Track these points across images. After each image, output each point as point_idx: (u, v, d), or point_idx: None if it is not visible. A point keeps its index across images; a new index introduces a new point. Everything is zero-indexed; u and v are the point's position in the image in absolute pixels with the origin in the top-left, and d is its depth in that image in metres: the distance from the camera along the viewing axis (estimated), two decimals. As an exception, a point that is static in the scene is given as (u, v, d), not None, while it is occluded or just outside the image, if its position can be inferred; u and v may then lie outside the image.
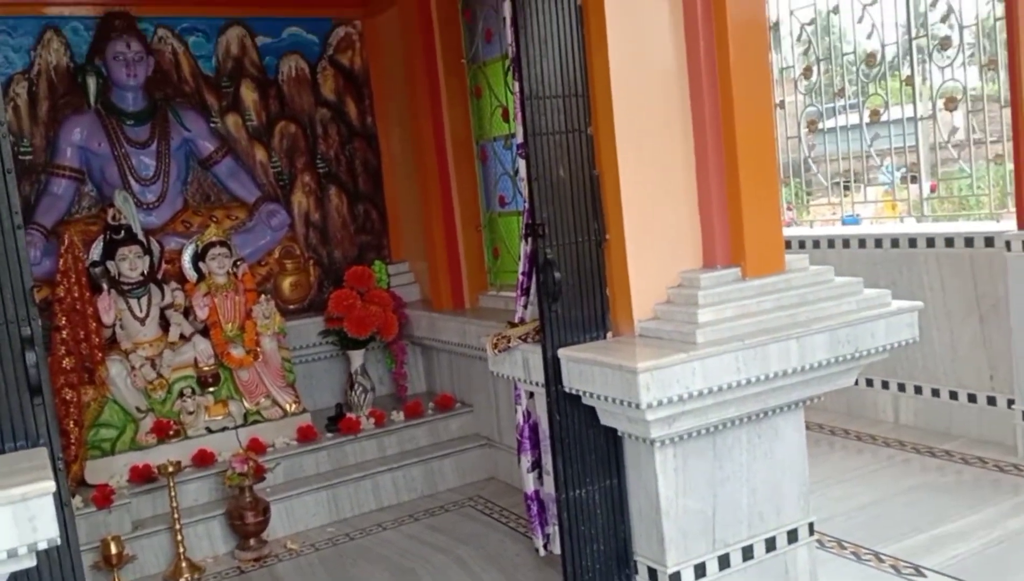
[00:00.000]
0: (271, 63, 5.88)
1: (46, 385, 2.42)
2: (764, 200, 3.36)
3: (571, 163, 3.27)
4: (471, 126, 5.46)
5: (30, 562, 2.11)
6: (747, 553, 3.29)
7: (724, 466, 3.24)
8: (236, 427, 4.93)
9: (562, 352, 3.20)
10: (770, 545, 3.34)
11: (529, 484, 3.77)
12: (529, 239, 3.52)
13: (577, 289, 3.27)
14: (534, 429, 3.76)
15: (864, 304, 3.31)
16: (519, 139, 3.49)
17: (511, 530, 4.40)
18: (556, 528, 3.55)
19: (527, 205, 3.41)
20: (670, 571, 3.14)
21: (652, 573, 3.22)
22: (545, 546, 3.76)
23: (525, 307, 3.70)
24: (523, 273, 3.67)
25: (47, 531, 2.06)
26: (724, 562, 3.24)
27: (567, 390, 3.20)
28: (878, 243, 5.46)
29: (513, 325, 3.73)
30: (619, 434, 3.25)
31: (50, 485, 2.06)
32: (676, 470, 3.14)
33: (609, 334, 3.32)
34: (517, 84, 3.31)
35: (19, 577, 2.27)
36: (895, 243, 5.33)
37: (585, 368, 3.09)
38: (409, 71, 5.63)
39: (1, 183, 2.38)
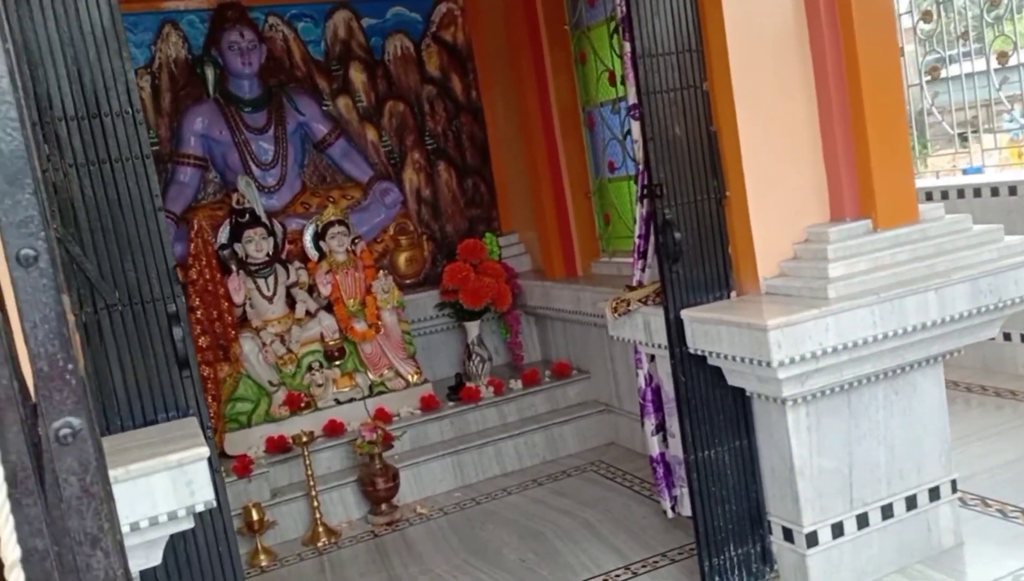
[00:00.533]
0: (377, 44, 5.98)
1: (192, 359, 2.54)
2: (894, 148, 3.24)
3: (687, 120, 3.22)
4: (577, 93, 5.42)
5: (188, 524, 2.24)
6: (887, 512, 3.20)
7: (860, 424, 3.16)
8: (363, 398, 5.09)
9: (685, 313, 3.17)
10: (911, 503, 3.24)
11: (654, 447, 3.76)
12: (645, 201, 3.49)
13: (698, 249, 3.22)
14: (656, 392, 3.74)
15: (1006, 252, 3.15)
16: (631, 100, 3.45)
17: (635, 493, 4.40)
18: (683, 490, 3.54)
19: (642, 166, 3.37)
20: (806, 530, 3.09)
21: (787, 533, 3.17)
22: (673, 508, 3.75)
23: (643, 270, 3.67)
24: (639, 236, 3.64)
25: (203, 494, 2.19)
26: (863, 521, 3.17)
27: (691, 351, 3.17)
28: (1012, 190, 5.15)
29: (632, 289, 3.71)
30: (748, 394, 3.20)
31: (204, 451, 2.18)
32: (810, 429, 3.08)
33: (733, 293, 3.27)
34: (628, 43, 3.27)
35: (176, 538, 2.41)
36: (1012, 190, 5.03)
37: (710, 328, 3.06)
38: (512, 42, 5.63)
39: (141, 168, 2.50)
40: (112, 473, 2.07)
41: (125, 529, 2.10)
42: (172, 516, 2.18)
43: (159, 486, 2.16)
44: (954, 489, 3.32)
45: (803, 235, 3.26)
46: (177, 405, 2.55)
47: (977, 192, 5.40)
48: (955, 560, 3.25)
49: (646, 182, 3.37)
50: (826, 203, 3.32)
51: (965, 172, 6.03)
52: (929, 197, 5.57)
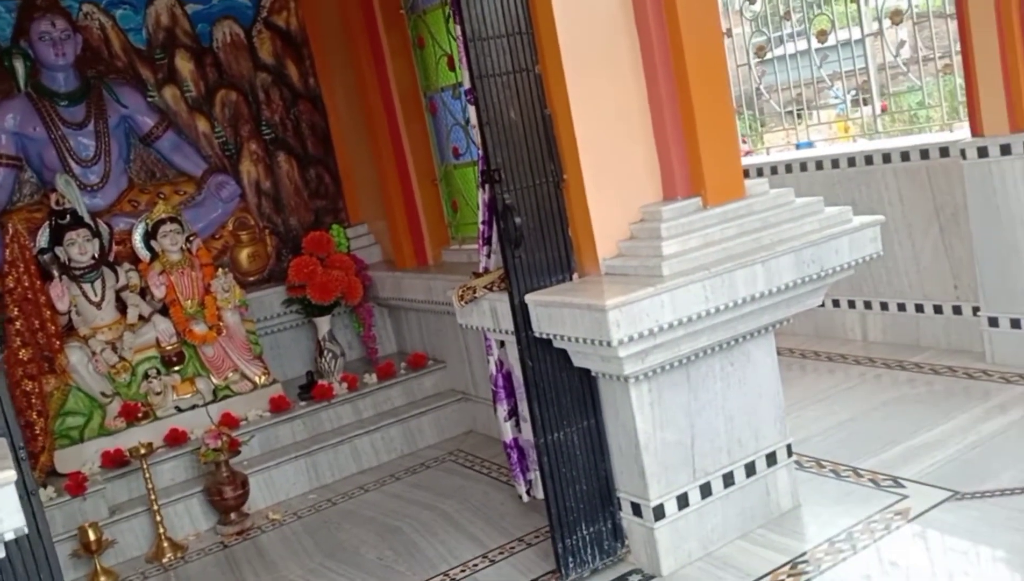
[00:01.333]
0: (204, 30, 5.68)
1: (0, 375, 2.33)
2: (720, 127, 3.33)
3: (522, 104, 3.20)
4: (417, 78, 5.33)
5: (-2, 553, 2.05)
6: (728, 480, 3.31)
7: (699, 396, 3.25)
8: (206, 404, 4.85)
9: (529, 297, 3.17)
10: (750, 470, 3.37)
11: (507, 433, 3.75)
12: (486, 186, 3.46)
13: (539, 232, 3.22)
14: (507, 378, 3.74)
15: (826, 223, 3.30)
16: (467, 84, 3.40)
17: (493, 480, 4.40)
18: (537, 474, 3.54)
19: (481, 151, 3.34)
20: (653, 504, 3.15)
21: (635, 508, 3.23)
22: (528, 492, 3.76)
23: (488, 256, 3.65)
24: (483, 222, 3.61)
25: (12, 521, 2.01)
26: (706, 490, 3.27)
27: (537, 335, 3.17)
28: (835, 163, 5.46)
29: (478, 275, 3.68)
30: (593, 374, 3.23)
31: (10, 475, 1.99)
32: (652, 404, 3.14)
33: (575, 275, 3.29)
34: (459, 27, 3.22)
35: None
36: (852, 162, 5.33)
37: (554, 311, 3.06)
38: (347, 27, 5.47)
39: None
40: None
41: (-77, 562, 1.90)
42: (-23, 547, 1.98)
43: (-38, 515, 1.96)
44: (789, 453, 3.48)
45: (639, 214, 3.31)
46: (-15, 426, 2.33)
47: (803, 166, 5.68)
48: (794, 522, 3.40)
49: (484, 167, 3.34)
50: (659, 182, 3.38)
51: (798, 147, 6.34)
52: (760, 173, 5.84)
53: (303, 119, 5.99)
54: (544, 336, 3.15)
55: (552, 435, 3.20)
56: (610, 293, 2.92)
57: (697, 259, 3.07)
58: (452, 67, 4.91)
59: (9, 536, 2.02)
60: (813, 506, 3.48)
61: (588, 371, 3.22)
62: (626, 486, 3.26)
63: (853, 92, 6.15)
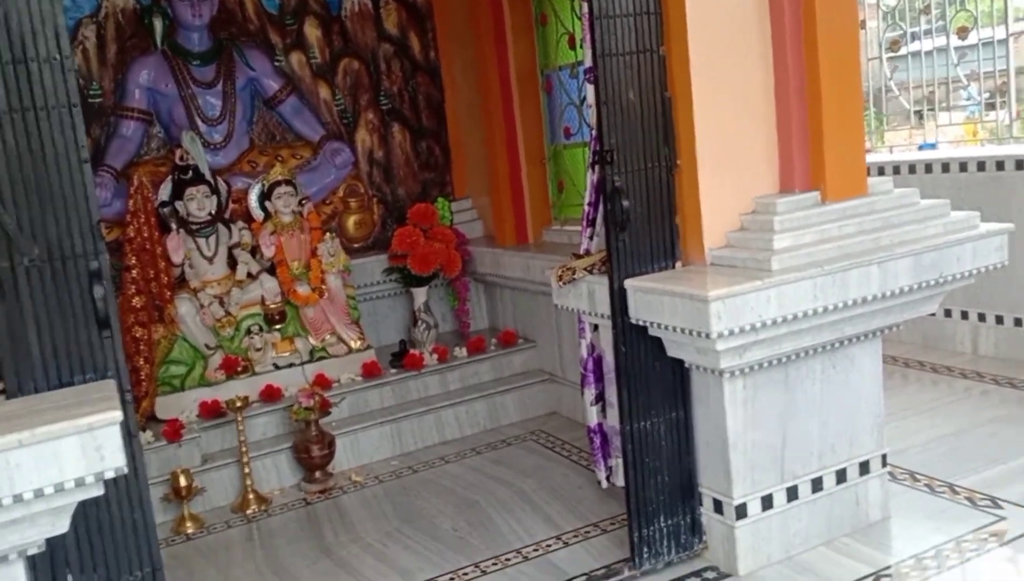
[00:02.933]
0: (334, -1, 5.80)
1: (114, 319, 2.41)
2: (847, 120, 3.20)
3: (642, 85, 3.14)
4: (536, 56, 5.32)
5: (97, 491, 2.11)
6: (816, 485, 3.20)
7: (796, 397, 3.14)
8: (302, 363, 4.97)
9: (629, 282, 3.11)
10: (841, 477, 3.25)
11: (592, 417, 3.71)
12: (596, 167, 3.41)
13: (645, 217, 3.16)
14: (598, 362, 3.69)
15: (951, 227, 3.14)
16: (587, 63, 3.35)
17: (573, 463, 4.36)
18: (619, 461, 3.50)
19: (595, 131, 3.29)
20: (736, 502, 3.07)
21: (717, 504, 3.15)
22: (607, 478, 3.72)
23: (591, 238, 3.61)
24: (589, 203, 3.57)
25: (114, 460, 2.05)
26: (792, 494, 3.16)
27: (633, 321, 3.11)
28: (963, 167, 5.17)
29: (579, 257, 3.64)
30: (686, 365, 3.16)
31: (117, 415, 2.05)
32: (745, 402, 3.05)
33: (679, 263, 3.22)
34: (585, 3, 3.17)
35: (88, 504, 2.29)
36: (981, 166, 5.04)
37: (653, 298, 3.00)
38: (473, 1, 5.49)
39: (68, 117, 2.36)
40: (16, 436, 1.97)
41: (29, 495, 1.98)
42: (80, 482, 2.05)
43: (67, 451, 2.02)
44: (884, 464, 3.34)
45: (751, 205, 3.21)
46: (96, 367, 2.42)
47: (928, 168, 5.41)
48: (882, 533, 3.27)
49: (597, 148, 3.29)
50: (776, 173, 3.28)
51: (920, 148, 6.04)
52: (881, 172, 5.59)
53: (420, 91, 6.05)
54: (640, 323, 3.09)
55: (639, 423, 3.15)
56: (714, 284, 2.84)
57: (810, 255, 2.96)
58: (572, 46, 4.88)
59: (110, 474, 2.08)
60: (903, 520, 3.34)
61: (681, 362, 3.15)
62: (709, 482, 3.18)
63: (988, 95, 5.81)
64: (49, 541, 2.23)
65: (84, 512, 2.36)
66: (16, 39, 2.27)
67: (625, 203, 3.10)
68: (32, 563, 2.30)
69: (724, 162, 3.15)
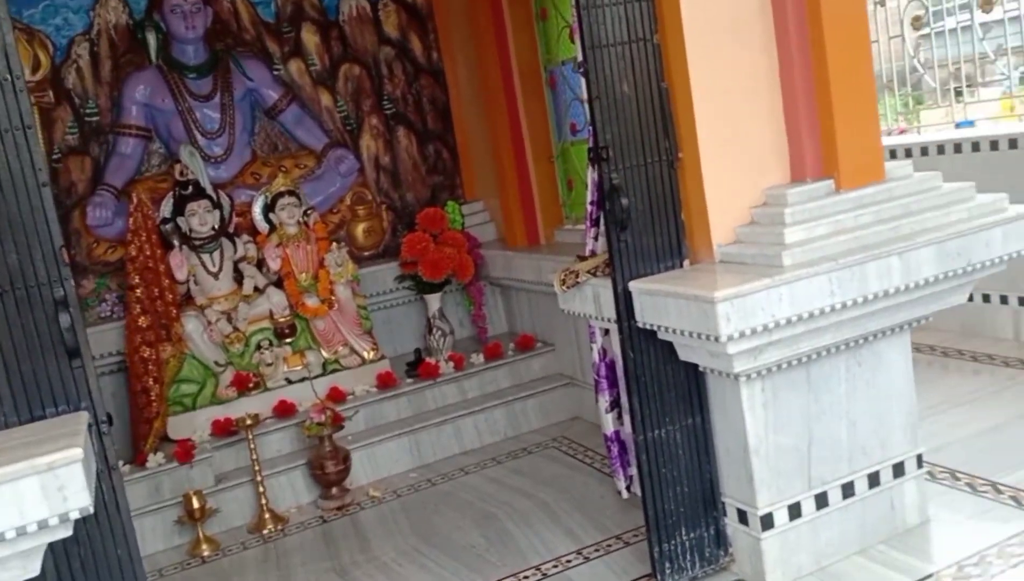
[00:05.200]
0: (331, 3, 5.67)
1: (84, 346, 2.32)
2: (859, 103, 3.01)
3: (636, 77, 2.97)
4: (538, 51, 5.16)
5: (64, 532, 2.01)
6: (847, 490, 3.02)
7: (820, 398, 2.96)
8: (315, 377, 4.87)
9: (633, 285, 2.95)
10: (873, 481, 3.06)
11: (609, 424, 3.57)
12: (595, 165, 3.26)
13: (648, 215, 2.99)
14: (611, 367, 3.55)
15: (977, 211, 2.93)
16: (578, 56, 3.20)
17: (596, 471, 4.21)
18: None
19: (590, 127, 3.13)
20: (761, 512, 2.90)
21: (742, 515, 2.98)
22: (628, 488, 3.58)
23: (595, 239, 3.46)
24: (591, 202, 3.42)
25: (78, 500, 1.95)
26: (822, 501, 2.98)
27: (641, 325, 2.95)
28: (993, 145, 4.92)
29: (582, 259, 3.50)
30: (701, 369, 2.99)
31: (77, 452, 1.94)
32: (765, 405, 2.88)
33: (686, 262, 3.05)
34: (574, -7, 3.01)
35: (68, 543, 2.20)
36: (1013, 144, 4.79)
37: (659, 300, 2.84)
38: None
39: (22, 139, 2.27)
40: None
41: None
42: (43, 525, 1.95)
43: (27, 492, 1.92)
44: (920, 464, 3.14)
45: (761, 198, 3.04)
46: (68, 399, 2.34)
47: (958, 148, 5.16)
48: (920, 539, 3.08)
49: (593, 144, 3.13)
50: (786, 163, 3.10)
51: (958, 126, 5.78)
52: (908, 154, 5.36)
53: (424, 94, 5.92)
54: (648, 326, 2.93)
55: (653, 432, 2.99)
56: (721, 283, 2.68)
57: (824, 248, 2.78)
58: (574, 39, 4.70)
59: (75, 515, 1.98)
60: (943, 523, 3.15)
61: (695, 366, 2.98)
62: (732, 491, 3.01)
63: (1021, 69, 5.53)
64: (29, 582, 2.13)
65: (65, 549, 2.28)
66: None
67: (624, 201, 2.93)
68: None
69: (729, 152, 2.98)
